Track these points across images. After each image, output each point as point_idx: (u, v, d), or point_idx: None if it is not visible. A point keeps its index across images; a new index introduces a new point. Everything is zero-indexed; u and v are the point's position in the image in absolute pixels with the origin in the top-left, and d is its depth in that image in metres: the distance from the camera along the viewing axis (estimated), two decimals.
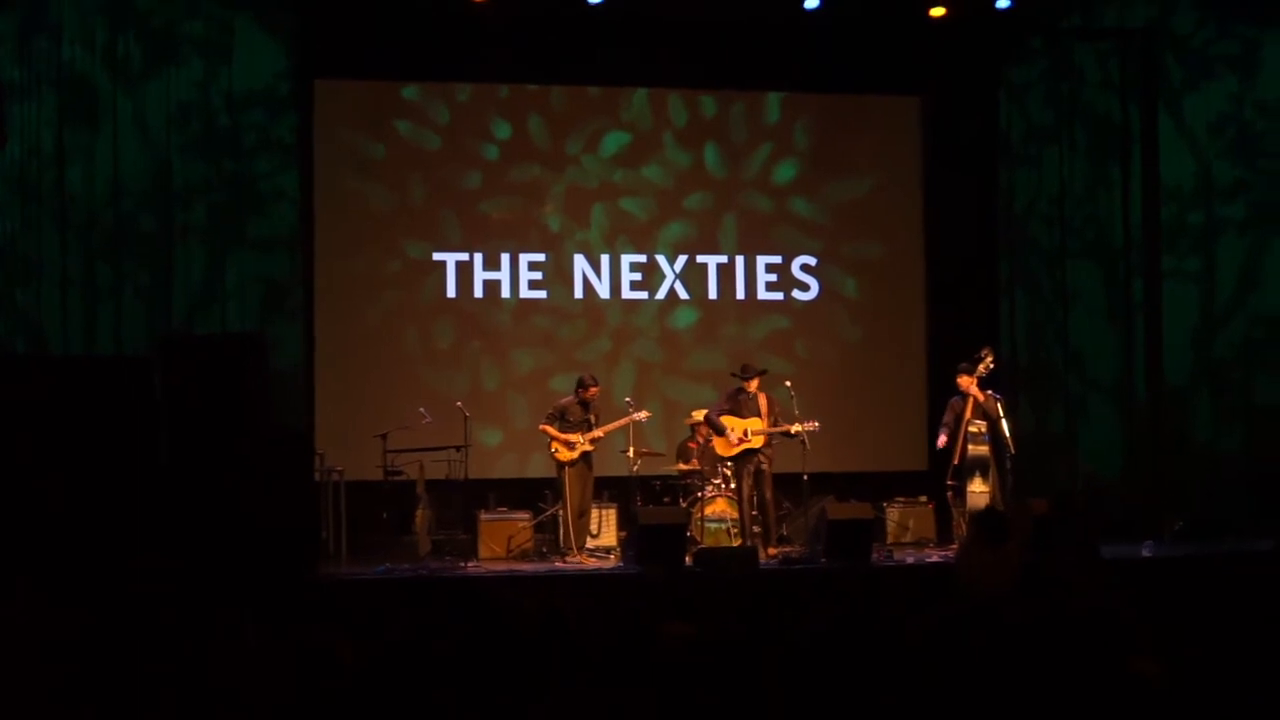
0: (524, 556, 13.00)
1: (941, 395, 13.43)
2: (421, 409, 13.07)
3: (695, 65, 14.63)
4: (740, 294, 15.05)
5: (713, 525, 12.94)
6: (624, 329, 14.89)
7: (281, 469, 11.18)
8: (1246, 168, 14.91)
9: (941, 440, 12.71)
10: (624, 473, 13.18)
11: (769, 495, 12.73)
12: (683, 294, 14.97)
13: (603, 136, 14.90)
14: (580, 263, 14.79)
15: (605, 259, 14.83)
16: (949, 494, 12.79)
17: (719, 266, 15.04)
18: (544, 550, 13.04)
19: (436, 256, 14.52)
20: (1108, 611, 6.15)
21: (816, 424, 12.57)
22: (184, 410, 10.99)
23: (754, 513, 12.68)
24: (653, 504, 13.21)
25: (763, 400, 12.79)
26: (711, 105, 15.14)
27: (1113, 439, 14.83)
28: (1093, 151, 14.97)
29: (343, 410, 13.89)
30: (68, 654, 5.66)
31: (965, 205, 15.06)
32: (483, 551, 12.96)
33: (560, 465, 12.76)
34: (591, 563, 12.51)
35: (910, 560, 12.53)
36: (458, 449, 12.69)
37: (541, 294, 14.71)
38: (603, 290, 14.81)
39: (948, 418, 12.76)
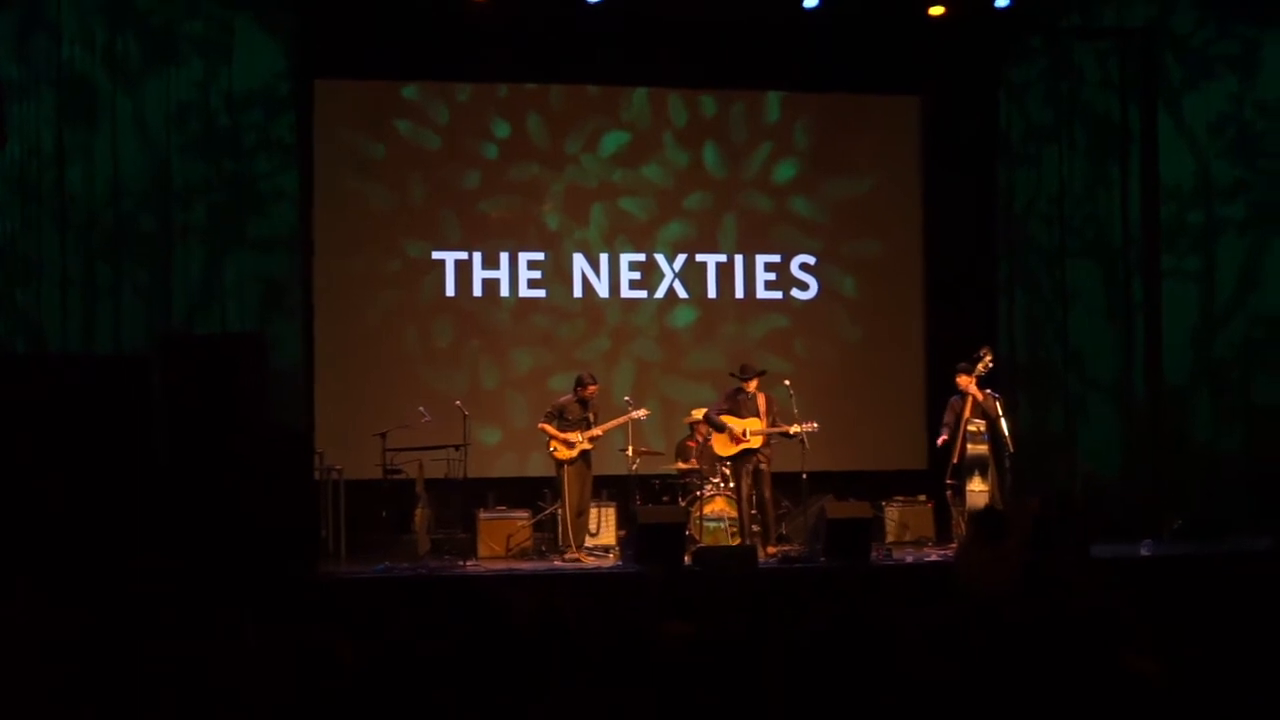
0: (523, 555, 13.02)
1: (940, 394, 13.43)
2: (421, 408, 13.07)
3: (695, 65, 14.63)
4: (739, 293, 15.05)
5: (712, 524, 12.95)
6: (623, 328, 14.89)
7: (281, 468, 11.20)
8: (1246, 167, 14.89)
9: (943, 439, 12.71)
10: (623, 471, 13.18)
11: (768, 494, 12.74)
12: (682, 293, 14.97)
13: (602, 136, 14.90)
14: (579, 262, 14.79)
15: (604, 258, 14.83)
16: (948, 493, 12.79)
17: (718, 266, 15.05)
18: (543, 549, 13.06)
19: (436, 255, 14.52)
20: (1103, 611, 6.15)
21: (815, 425, 12.57)
22: (183, 409, 11.00)
23: (753, 511, 12.68)
24: (652, 503, 13.23)
25: (761, 400, 12.80)
26: (711, 105, 15.15)
27: (1112, 438, 14.82)
28: (1092, 151, 14.95)
29: (342, 409, 13.89)
30: (68, 654, 5.65)
31: (964, 204, 15.05)
32: (482, 550, 12.98)
33: (559, 464, 12.76)
34: (590, 561, 12.52)
35: (909, 559, 12.55)
36: (457, 448, 12.70)
37: (540, 293, 14.72)
38: (602, 289, 14.81)
39: (948, 417, 12.77)
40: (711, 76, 14.90)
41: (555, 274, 14.72)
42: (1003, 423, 12.44)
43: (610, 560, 12.62)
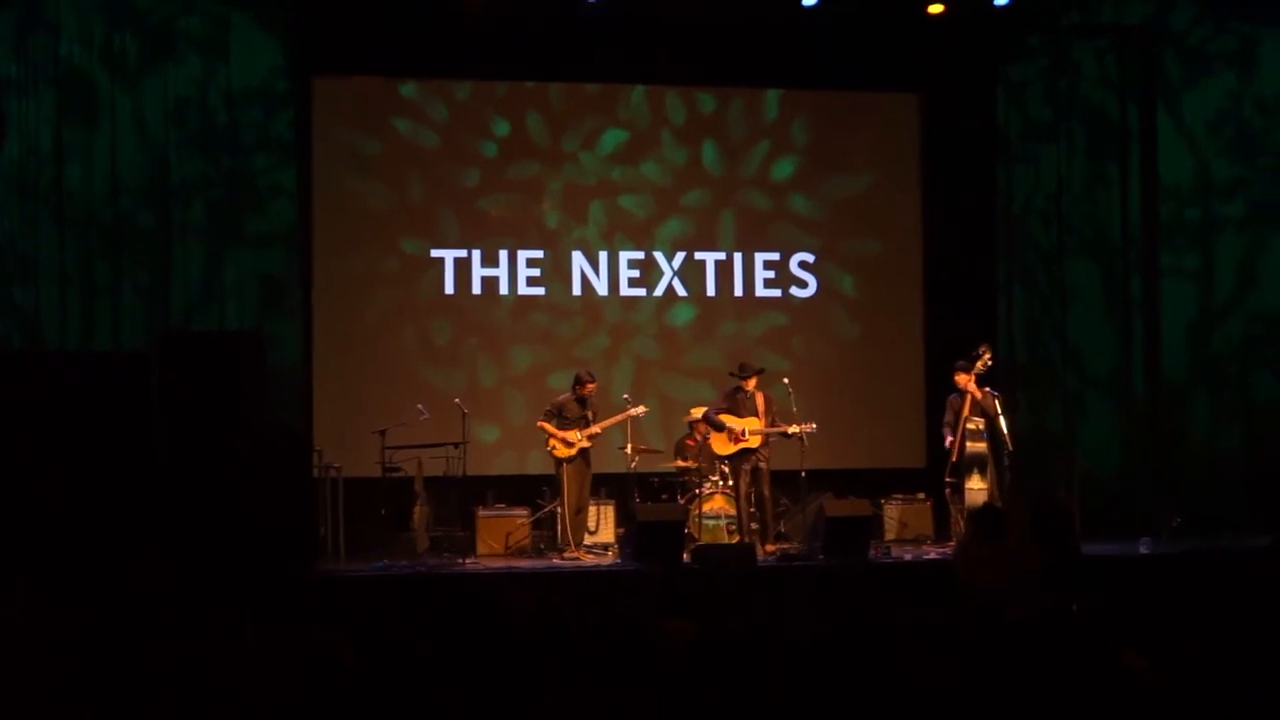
0: (522, 553, 13.04)
1: (939, 393, 13.43)
2: (420, 406, 13.07)
3: (693, 63, 14.62)
4: (738, 291, 15.05)
5: (710, 522, 12.95)
6: (622, 326, 14.89)
7: (280, 466, 11.22)
8: (1245, 165, 14.91)
9: (949, 441, 12.69)
10: (622, 469, 13.19)
11: (767, 492, 12.75)
12: (681, 291, 14.97)
13: (601, 134, 14.90)
14: (578, 260, 14.79)
15: (603, 256, 14.83)
16: (947, 491, 12.80)
17: (717, 264, 15.04)
18: (542, 547, 13.06)
19: (434, 254, 14.51)
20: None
21: (814, 425, 12.58)
22: (182, 408, 11.00)
23: (752, 510, 12.69)
24: (651, 501, 13.23)
25: (760, 399, 12.80)
26: (710, 102, 15.14)
27: (1111, 436, 14.83)
28: (1091, 149, 14.96)
29: (341, 407, 13.89)
30: (68, 654, 5.65)
31: (963, 202, 15.05)
32: (481, 548, 13.01)
33: (558, 462, 12.77)
34: (589, 559, 12.53)
35: (908, 557, 12.55)
36: (456, 446, 12.69)
37: (539, 291, 14.71)
38: (601, 287, 14.81)
39: (948, 416, 12.77)
40: (710, 74, 14.90)
41: (554, 272, 14.72)
42: (1002, 421, 12.44)
43: (609, 558, 12.63)
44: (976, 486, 12.44)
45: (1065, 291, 14.87)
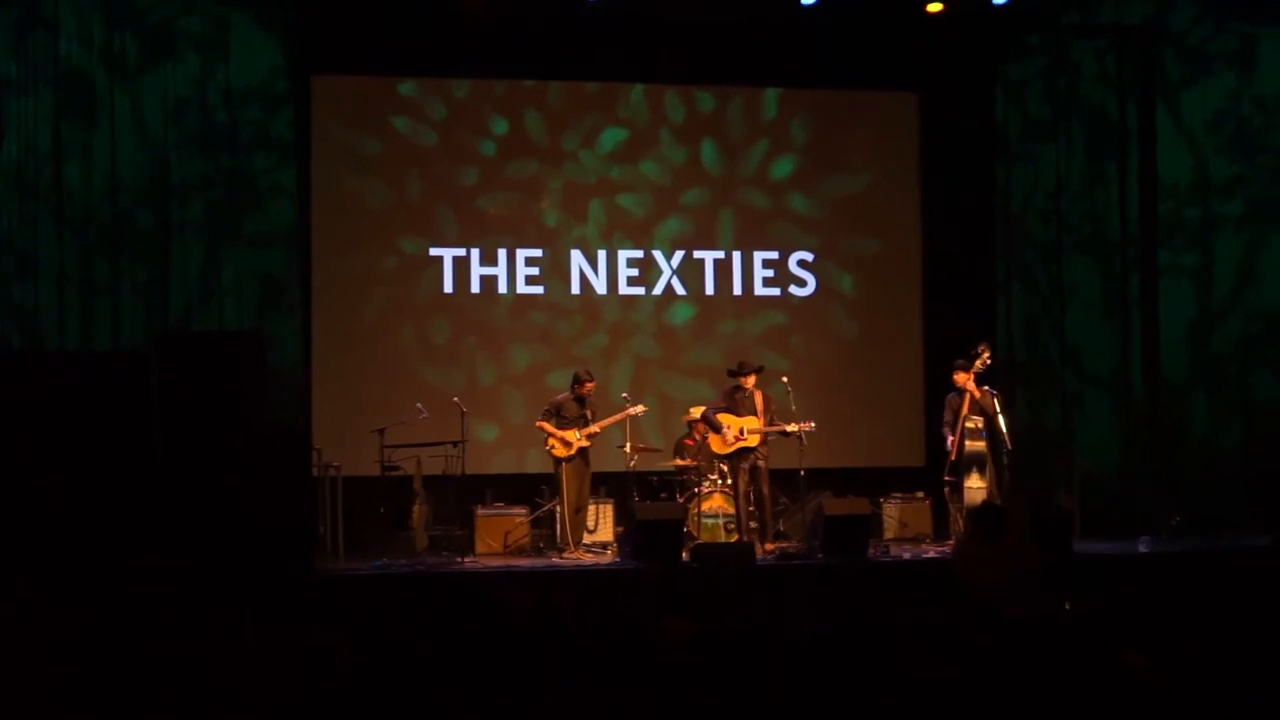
0: (521, 552, 13.05)
1: (938, 391, 13.44)
2: (419, 404, 13.07)
3: (692, 61, 14.62)
4: (737, 290, 15.06)
5: (709, 521, 12.96)
6: (621, 324, 14.89)
7: (279, 465, 11.21)
8: (1244, 164, 14.89)
9: (948, 439, 12.68)
10: (621, 468, 13.19)
11: (766, 490, 12.74)
12: (679, 290, 14.97)
13: (600, 132, 14.90)
14: (577, 258, 14.79)
15: (602, 254, 14.83)
16: (946, 489, 12.81)
17: (716, 262, 15.05)
18: (541, 545, 13.06)
19: (433, 252, 14.51)
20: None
21: (812, 424, 12.59)
22: (181, 407, 10.99)
23: (751, 508, 12.69)
24: (650, 500, 13.23)
25: (759, 398, 12.80)
26: (709, 101, 15.15)
27: (1110, 435, 14.82)
28: (1090, 147, 14.95)
29: (340, 406, 13.89)
30: (68, 654, 5.65)
31: (962, 201, 15.06)
32: (480, 547, 13.01)
33: (557, 461, 12.77)
34: (588, 558, 12.53)
35: (907, 556, 12.56)
36: (455, 444, 12.69)
37: (538, 289, 14.71)
38: (600, 286, 14.81)
39: (947, 415, 12.78)
40: (709, 73, 14.90)
41: (553, 270, 14.72)
42: (1001, 419, 12.45)
43: (608, 557, 12.63)
44: (975, 485, 12.44)
45: (1064, 290, 14.87)
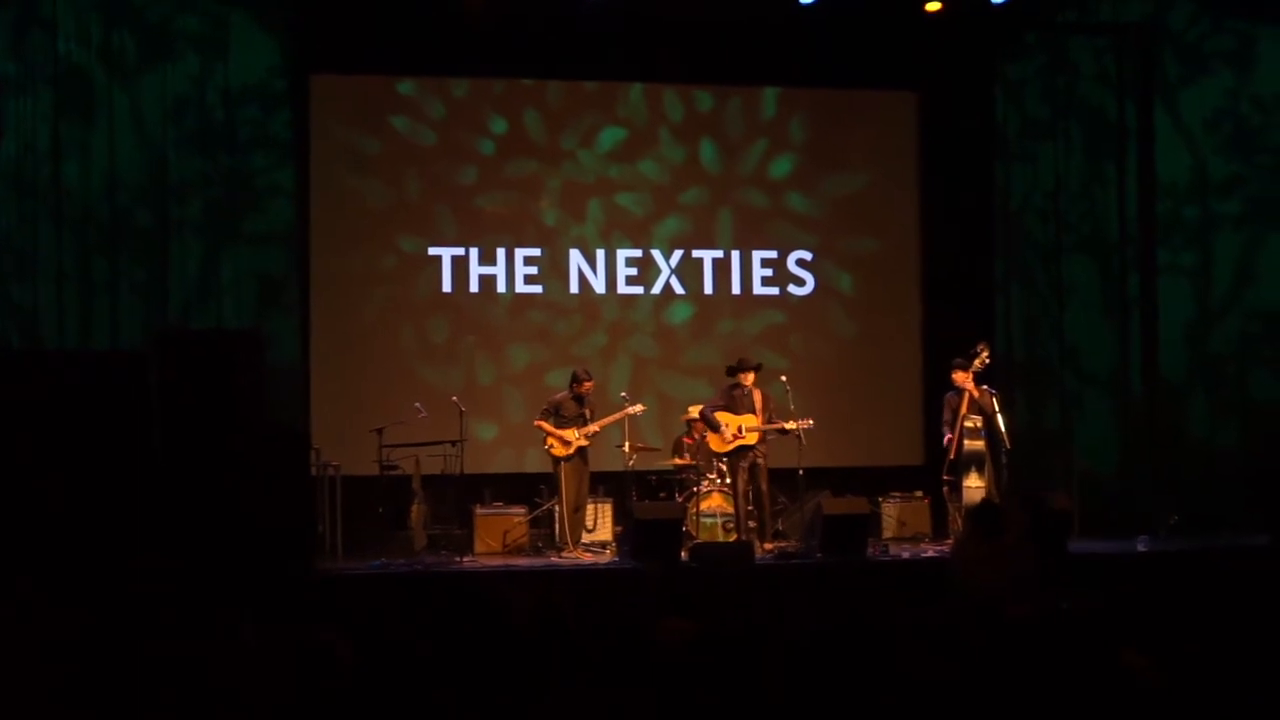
0: (519, 551, 13.03)
1: (937, 390, 13.44)
2: (417, 404, 13.07)
3: (691, 60, 14.61)
4: (736, 289, 15.05)
5: (708, 520, 12.97)
6: (620, 324, 14.89)
7: (277, 464, 11.19)
8: (1242, 163, 14.90)
9: (948, 440, 12.68)
10: (619, 467, 13.19)
11: (765, 488, 12.75)
12: (678, 289, 14.97)
13: (599, 132, 14.90)
14: (576, 257, 14.79)
15: (601, 254, 14.83)
16: (945, 489, 12.80)
17: (714, 261, 15.04)
18: (539, 545, 13.06)
19: (432, 251, 14.51)
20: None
21: (810, 422, 12.59)
22: (180, 406, 10.98)
23: (750, 507, 12.69)
24: (648, 499, 13.23)
25: (757, 396, 12.81)
26: (707, 100, 15.14)
27: (1108, 434, 14.82)
28: (1088, 147, 14.95)
29: (338, 405, 13.88)
30: (68, 654, 5.65)
31: (961, 200, 15.05)
32: (478, 546, 12.99)
33: (556, 460, 12.78)
34: (587, 557, 12.53)
35: (906, 555, 12.55)
36: (453, 444, 12.69)
37: (537, 289, 14.71)
38: (598, 285, 14.81)
39: (946, 414, 12.77)
40: (708, 72, 14.89)
41: (552, 270, 14.72)
42: (999, 418, 12.46)
43: (607, 556, 12.62)
44: (974, 484, 12.44)
45: (1063, 289, 14.87)
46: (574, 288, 14.76)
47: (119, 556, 9.91)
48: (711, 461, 13.16)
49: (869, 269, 15.31)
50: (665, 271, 14.92)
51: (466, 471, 12.79)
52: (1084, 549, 12.35)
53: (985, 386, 12.65)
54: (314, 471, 12.40)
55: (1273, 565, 11.51)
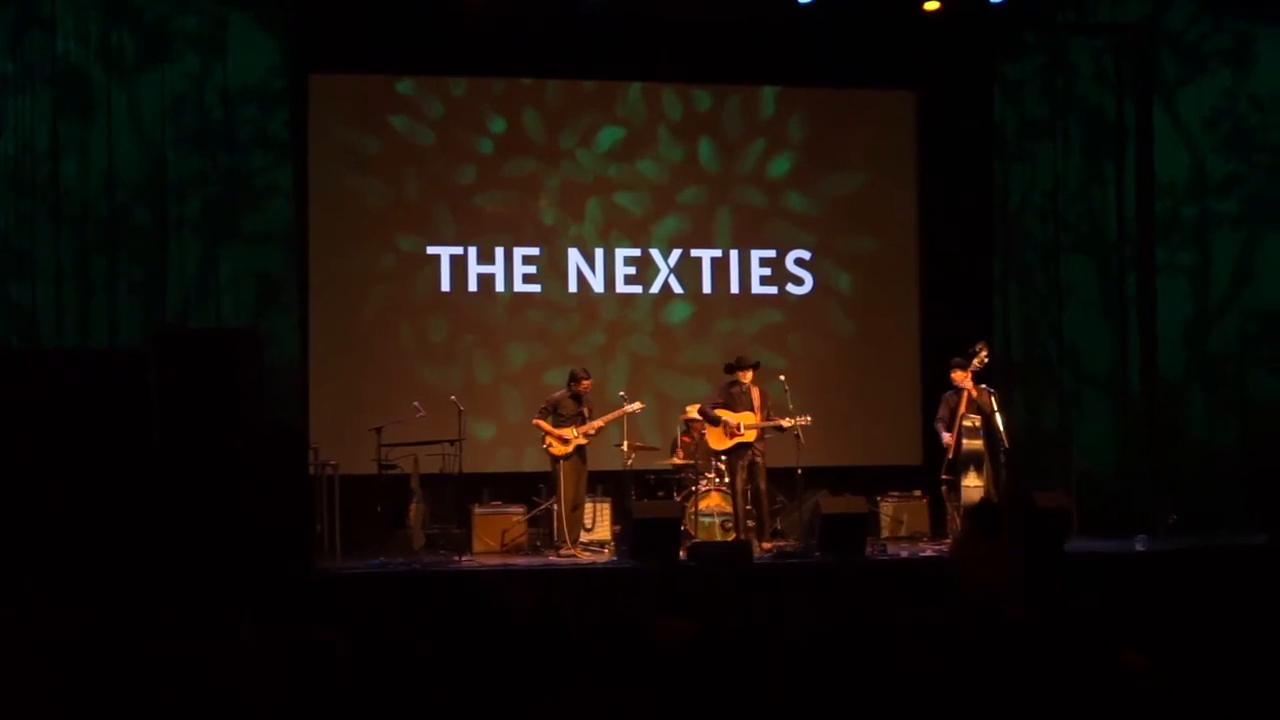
0: (518, 550, 13.04)
1: (935, 390, 13.44)
2: (416, 403, 13.07)
3: (690, 60, 14.61)
4: (734, 288, 15.06)
5: (706, 519, 12.98)
6: (618, 323, 14.90)
7: (276, 463, 11.18)
8: (1241, 162, 14.90)
9: (945, 438, 12.68)
10: (618, 467, 13.20)
11: (763, 487, 12.75)
12: (677, 288, 14.98)
13: (597, 131, 14.90)
14: (574, 257, 14.79)
15: (599, 253, 14.83)
16: (943, 488, 12.81)
17: (713, 261, 15.05)
18: (538, 544, 13.07)
19: (431, 250, 14.51)
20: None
21: (809, 418, 12.59)
22: (178, 405, 10.98)
23: (748, 507, 12.69)
24: (647, 498, 13.23)
25: (756, 394, 12.82)
26: (706, 99, 15.15)
27: (1107, 433, 14.82)
28: (1087, 146, 14.96)
29: (337, 404, 13.89)
30: (68, 654, 5.65)
31: (960, 200, 15.06)
32: (477, 545, 13.00)
33: (554, 459, 12.79)
34: (586, 556, 12.53)
35: (904, 554, 12.56)
36: (452, 443, 12.70)
37: (536, 288, 14.72)
38: (597, 284, 14.81)
39: (943, 413, 12.78)
40: (706, 71, 14.90)
41: (550, 269, 14.72)
42: (998, 418, 12.46)
43: (605, 555, 12.63)
44: (973, 484, 12.44)
45: (1061, 289, 14.87)
46: (572, 287, 14.76)
47: (118, 556, 9.91)
48: (710, 460, 13.17)
49: (868, 268, 15.31)
50: (664, 271, 14.92)
51: (465, 471, 12.80)
52: (1083, 548, 12.40)
53: (984, 386, 12.66)
54: (313, 471, 12.42)
55: (1271, 565, 11.51)
